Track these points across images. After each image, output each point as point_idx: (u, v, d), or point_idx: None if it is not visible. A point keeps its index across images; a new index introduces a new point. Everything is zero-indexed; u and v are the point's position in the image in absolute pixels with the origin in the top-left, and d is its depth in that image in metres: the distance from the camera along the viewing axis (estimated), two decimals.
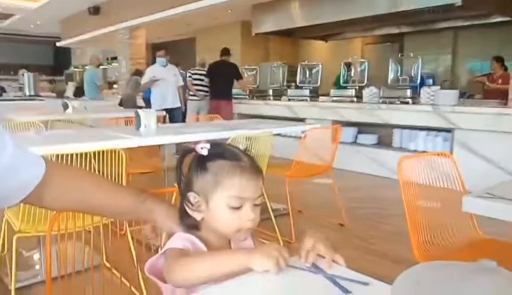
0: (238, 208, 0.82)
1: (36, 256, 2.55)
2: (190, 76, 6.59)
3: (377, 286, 0.70)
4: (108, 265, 2.28)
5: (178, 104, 6.02)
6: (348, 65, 6.22)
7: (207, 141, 0.87)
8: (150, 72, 5.96)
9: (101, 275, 1.95)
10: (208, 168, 0.84)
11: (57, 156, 1.85)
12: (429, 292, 0.45)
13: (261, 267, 0.72)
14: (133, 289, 1.83)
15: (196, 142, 0.87)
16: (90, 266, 1.78)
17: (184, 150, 0.89)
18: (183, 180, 0.89)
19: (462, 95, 5.46)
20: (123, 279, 1.93)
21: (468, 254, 1.70)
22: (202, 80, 6.53)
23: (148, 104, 7.23)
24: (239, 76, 6.46)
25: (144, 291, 1.85)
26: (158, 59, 5.96)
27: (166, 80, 5.85)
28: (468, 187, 3.02)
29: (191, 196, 0.85)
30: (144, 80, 6.04)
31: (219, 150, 0.87)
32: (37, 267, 2.44)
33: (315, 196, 4.05)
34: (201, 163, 0.85)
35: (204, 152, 0.85)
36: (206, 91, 6.51)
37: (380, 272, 2.71)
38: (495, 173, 3.97)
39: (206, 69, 6.60)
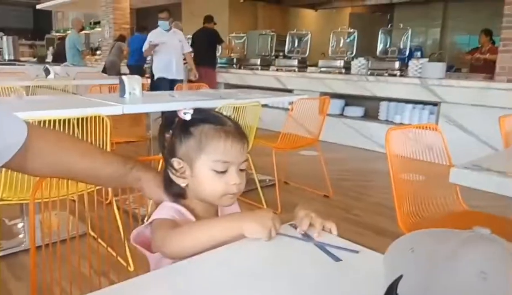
0: (223, 172, 0.81)
1: (19, 225, 2.52)
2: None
3: (366, 254, 0.70)
4: (93, 234, 2.27)
5: (181, 77, 5.54)
6: (338, 35, 6.14)
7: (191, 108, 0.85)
8: (151, 37, 5.44)
9: (86, 244, 1.94)
10: (192, 132, 0.82)
11: (39, 122, 1.79)
12: (425, 259, 0.44)
13: (253, 235, 0.72)
14: (119, 258, 1.82)
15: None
16: (75, 235, 1.76)
17: (166, 116, 0.87)
18: (166, 147, 0.87)
19: (449, 68, 5.48)
20: (109, 249, 1.92)
21: (452, 226, 1.73)
22: None
23: (132, 71, 7.09)
24: (220, 41, 6.43)
25: (130, 261, 1.84)
26: (160, 22, 5.41)
27: (168, 46, 5.32)
28: (452, 160, 3.06)
29: (175, 161, 0.84)
30: (144, 46, 5.53)
31: (203, 115, 0.85)
32: (21, 235, 2.42)
33: (301, 167, 4.07)
34: (185, 128, 0.83)
35: (187, 117, 0.83)
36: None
37: (362, 242, 2.77)
38: (479, 147, 4.04)
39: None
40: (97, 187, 1.48)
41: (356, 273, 0.63)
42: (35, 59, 10.91)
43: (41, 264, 1.17)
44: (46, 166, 0.87)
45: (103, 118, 1.98)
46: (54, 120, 1.83)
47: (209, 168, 0.81)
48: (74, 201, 1.93)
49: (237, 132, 0.84)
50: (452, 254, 0.43)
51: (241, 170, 0.83)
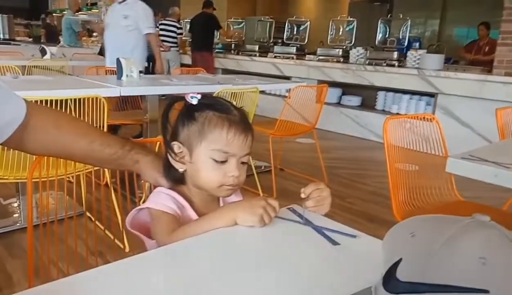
0: (222, 163, 0.79)
1: (14, 204, 2.51)
2: (156, 27, 6.43)
3: (364, 238, 0.71)
4: (89, 215, 2.28)
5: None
6: (337, 24, 6.11)
7: (198, 93, 0.84)
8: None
9: (83, 225, 1.94)
10: (196, 118, 0.81)
11: (36, 102, 1.78)
12: (425, 244, 0.45)
13: (246, 223, 0.73)
14: (116, 240, 1.83)
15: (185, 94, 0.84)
16: (71, 215, 1.76)
17: (173, 98, 0.86)
18: (168, 129, 0.85)
19: (447, 60, 5.47)
20: (107, 232, 1.93)
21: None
22: (168, 31, 6.38)
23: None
24: (218, 26, 6.38)
25: (126, 242, 1.85)
26: None
27: (113, 25, 3.92)
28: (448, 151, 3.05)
29: (175, 145, 0.82)
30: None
31: (210, 101, 0.83)
32: (16, 215, 2.42)
33: (297, 155, 4.08)
34: (190, 112, 0.82)
35: (194, 101, 0.81)
36: (172, 42, 6.41)
37: (356, 229, 2.78)
38: (474, 139, 4.06)
39: (175, 20, 6.51)
40: (95, 168, 1.48)
41: (354, 256, 0.64)
42: (30, 39, 10.75)
43: (38, 243, 1.17)
44: (45, 144, 0.87)
45: (100, 99, 1.96)
46: (51, 101, 1.81)
47: (208, 156, 0.79)
48: (71, 182, 1.93)
49: (242, 123, 0.81)
50: (451, 240, 0.43)
51: (243, 163, 0.81)
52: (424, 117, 2.01)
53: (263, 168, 3.47)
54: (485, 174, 1.17)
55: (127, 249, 1.83)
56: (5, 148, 1.70)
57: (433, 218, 0.49)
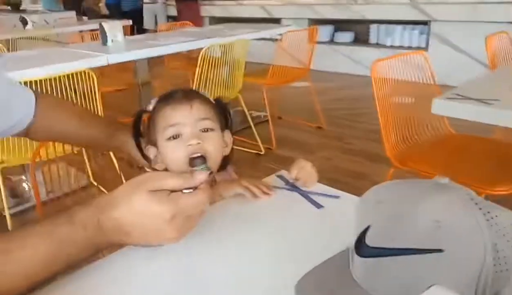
0: (176, 137, 0.76)
1: (24, 182, 2.59)
2: None
3: (347, 199, 0.77)
4: (95, 183, 2.36)
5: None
6: None
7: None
8: None
9: (90, 194, 2.02)
10: (151, 117, 0.81)
11: (25, 83, 1.79)
12: (390, 210, 0.50)
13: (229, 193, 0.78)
14: None
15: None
16: (77, 187, 1.84)
17: (138, 112, 0.85)
18: (141, 141, 0.84)
19: None
20: None
21: (440, 150, 1.80)
22: None
23: (112, 10, 6.83)
24: None
25: None
26: None
27: None
28: (444, 80, 3.05)
29: (150, 149, 0.82)
30: None
31: (159, 99, 0.82)
32: (27, 192, 2.50)
33: (293, 100, 4.09)
34: (150, 117, 0.82)
35: (150, 108, 0.82)
36: None
37: (356, 169, 2.86)
38: (471, 64, 4.03)
39: None
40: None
41: (336, 219, 0.70)
42: (8, 8, 10.37)
43: None
44: (46, 132, 0.91)
45: (89, 73, 1.97)
46: (41, 81, 1.82)
47: (164, 140, 0.77)
48: (73, 153, 1.99)
49: (183, 95, 0.80)
50: (412, 205, 0.48)
51: (204, 131, 0.77)
52: (413, 53, 2.00)
53: (262, 117, 3.48)
54: (468, 113, 1.20)
55: None
56: None
57: (398, 184, 0.54)
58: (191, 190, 0.57)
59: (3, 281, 0.49)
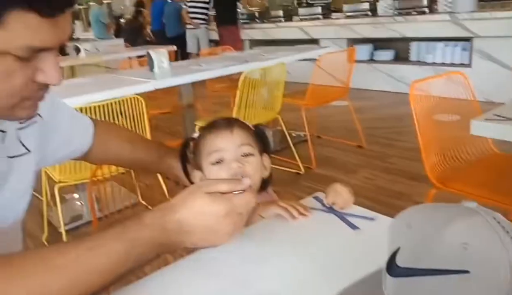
0: (220, 162, 0.84)
1: (77, 200, 2.77)
2: (185, 5, 6.48)
3: (382, 220, 0.80)
4: (144, 202, 2.48)
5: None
6: None
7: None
8: None
9: (138, 212, 2.12)
10: (197, 144, 0.89)
11: (81, 109, 1.95)
12: (418, 233, 0.53)
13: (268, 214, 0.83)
14: None
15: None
16: (127, 205, 1.95)
17: (185, 140, 0.93)
18: (188, 168, 0.92)
19: None
20: None
21: (484, 171, 1.76)
22: (197, 7, 6.40)
23: (157, 36, 7.18)
24: None
25: None
26: None
27: None
28: (488, 96, 2.98)
29: (195, 174, 0.89)
30: None
31: (208, 124, 0.90)
32: (79, 209, 2.67)
33: (333, 119, 4.10)
34: (195, 145, 0.90)
35: (196, 135, 0.91)
36: (202, 19, 6.42)
37: (397, 189, 2.82)
38: None
39: None
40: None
41: (371, 240, 0.73)
42: None
43: None
44: (103, 156, 1.00)
45: (138, 99, 2.11)
46: (94, 106, 1.98)
47: (209, 163, 0.85)
48: (123, 173, 2.12)
49: (224, 123, 0.88)
50: (440, 228, 0.51)
51: (245, 155, 0.84)
52: (452, 73, 1.99)
53: (302, 136, 3.50)
54: (509, 134, 1.19)
55: None
56: None
57: (427, 207, 0.57)
58: (240, 192, 0.65)
59: (81, 278, 0.56)
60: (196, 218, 0.62)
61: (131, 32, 7.05)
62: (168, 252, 0.66)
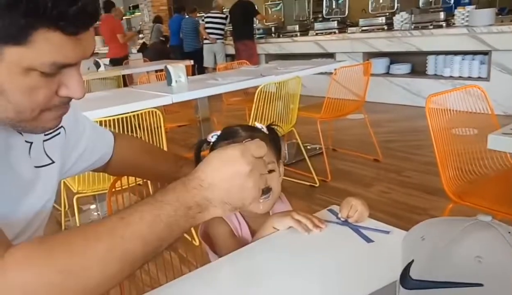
0: None
1: (93, 210, 2.81)
2: (203, 20, 6.66)
3: (397, 233, 0.80)
4: None
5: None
6: None
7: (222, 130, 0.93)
8: None
9: None
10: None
11: (100, 122, 2.00)
12: (432, 245, 0.54)
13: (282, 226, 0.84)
14: (185, 235, 2.02)
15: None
16: None
17: (199, 141, 0.96)
18: None
19: (501, 11, 5.12)
20: None
21: (502, 185, 1.74)
22: (214, 23, 6.55)
23: (175, 52, 7.33)
24: (255, 13, 6.43)
25: (195, 236, 2.03)
26: None
27: None
28: (508, 110, 2.92)
29: None
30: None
31: (223, 133, 0.93)
32: (96, 219, 2.71)
33: (348, 132, 4.09)
34: (211, 149, 0.92)
35: (213, 139, 0.92)
36: (219, 34, 6.59)
37: (414, 203, 2.79)
38: None
39: (219, 11, 6.69)
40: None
41: (385, 252, 0.73)
42: None
43: None
44: (123, 168, 1.03)
45: (156, 112, 2.15)
46: (113, 119, 2.03)
47: None
48: (140, 184, 2.15)
49: (242, 132, 0.90)
50: (454, 242, 0.52)
51: (269, 171, 0.84)
52: (468, 87, 1.97)
53: (317, 149, 3.49)
54: None
55: (196, 242, 2.02)
56: None
57: (441, 221, 0.57)
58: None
59: (123, 246, 0.58)
60: (214, 169, 0.62)
61: (155, 53, 7.20)
62: (200, 218, 0.64)
